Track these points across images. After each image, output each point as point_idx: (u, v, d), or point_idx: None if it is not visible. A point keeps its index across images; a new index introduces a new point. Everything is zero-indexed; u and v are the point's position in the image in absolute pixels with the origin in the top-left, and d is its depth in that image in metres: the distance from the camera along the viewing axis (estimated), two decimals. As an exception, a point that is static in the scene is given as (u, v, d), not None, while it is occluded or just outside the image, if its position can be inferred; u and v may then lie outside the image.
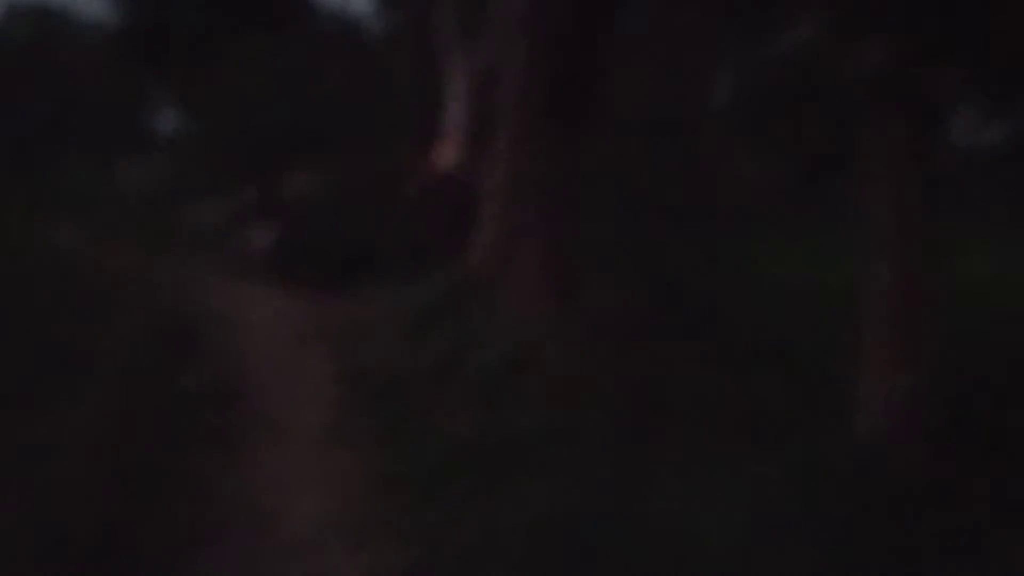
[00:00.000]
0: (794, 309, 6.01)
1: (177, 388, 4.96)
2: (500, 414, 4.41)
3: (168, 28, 16.78)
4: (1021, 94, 5.72)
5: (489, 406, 4.61)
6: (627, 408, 4.35)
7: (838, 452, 3.44)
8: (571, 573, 2.82)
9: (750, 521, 2.87)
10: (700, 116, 16.64)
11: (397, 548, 3.23)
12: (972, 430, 3.71)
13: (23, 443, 3.43)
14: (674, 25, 14.01)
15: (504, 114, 8.47)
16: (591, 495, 3.24)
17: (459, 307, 7.16)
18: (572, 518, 3.05)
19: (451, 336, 5.97)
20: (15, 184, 21.05)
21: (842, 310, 4.44)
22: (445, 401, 4.78)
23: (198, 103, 15.56)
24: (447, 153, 11.30)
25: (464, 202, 10.90)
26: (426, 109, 12.21)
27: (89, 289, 8.61)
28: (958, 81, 4.46)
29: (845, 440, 3.61)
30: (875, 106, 3.82)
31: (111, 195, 18.11)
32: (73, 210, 18.20)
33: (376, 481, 3.96)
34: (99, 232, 15.19)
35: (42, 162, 24.32)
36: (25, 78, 28.81)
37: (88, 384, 4.44)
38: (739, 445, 3.69)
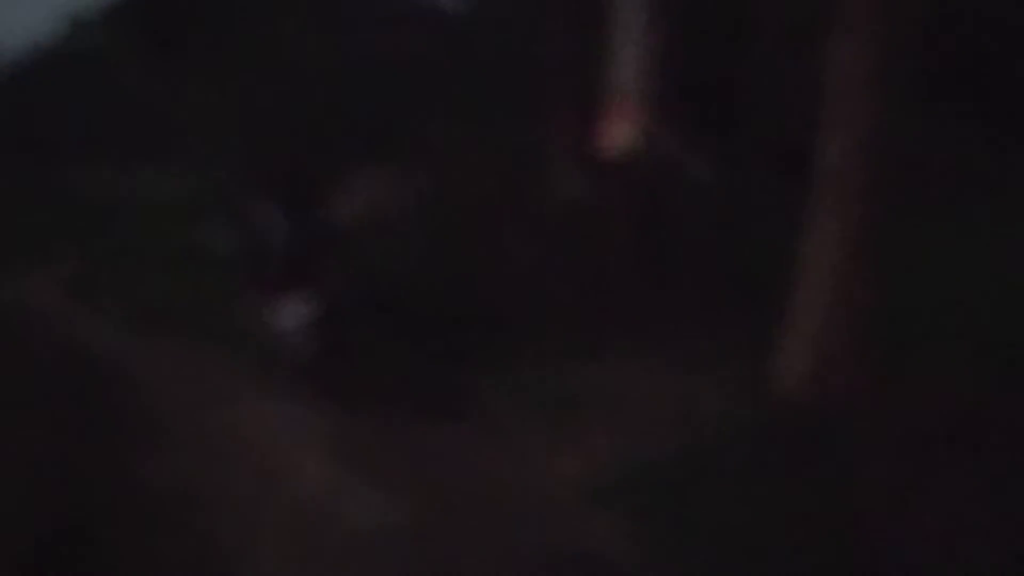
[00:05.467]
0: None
1: None
2: None
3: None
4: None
5: None
6: None
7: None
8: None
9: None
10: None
11: None
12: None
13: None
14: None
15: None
16: None
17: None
18: None
19: None
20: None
21: None
22: None
23: (218, 87, 10.85)
24: (620, 128, 6.04)
25: (667, 208, 5.73)
26: (569, 65, 6.92)
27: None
28: None
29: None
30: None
31: (118, 218, 13.58)
32: (71, 236, 13.86)
33: None
34: (83, 281, 10.72)
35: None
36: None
37: None
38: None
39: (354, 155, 7.75)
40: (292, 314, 4.49)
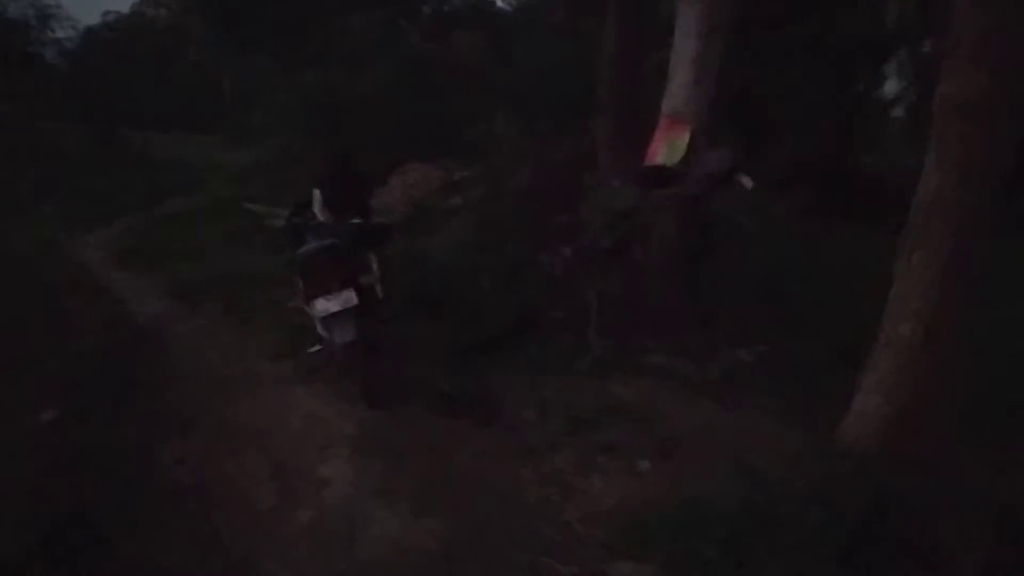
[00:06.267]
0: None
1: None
2: None
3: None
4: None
5: None
6: None
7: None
8: None
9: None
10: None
11: None
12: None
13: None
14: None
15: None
16: None
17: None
18: None
19: None
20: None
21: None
22: None
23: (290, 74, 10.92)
24: (673, 144, 5.90)
25: (714, 224, 5.52)
26: (626, 79, 6.89)
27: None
28: None
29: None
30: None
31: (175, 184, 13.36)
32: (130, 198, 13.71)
33: None
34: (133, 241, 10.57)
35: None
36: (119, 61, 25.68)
37: None
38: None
39: (406, 151, 7.63)
40: (329, 307, 4.26)
